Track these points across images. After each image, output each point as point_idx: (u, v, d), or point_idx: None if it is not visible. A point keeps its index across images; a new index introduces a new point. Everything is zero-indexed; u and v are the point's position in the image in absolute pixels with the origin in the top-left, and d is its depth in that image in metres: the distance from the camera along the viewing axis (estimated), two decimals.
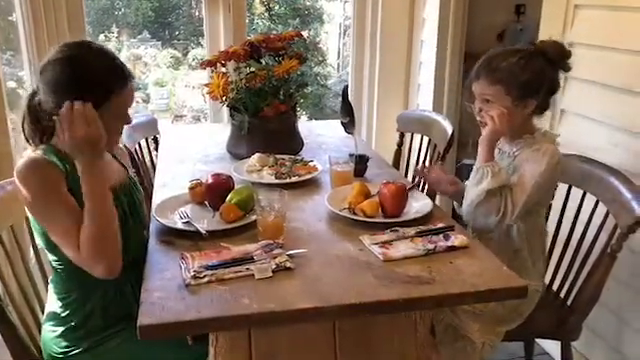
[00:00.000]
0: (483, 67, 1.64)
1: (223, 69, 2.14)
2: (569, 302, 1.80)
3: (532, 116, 1.66)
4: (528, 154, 1.62)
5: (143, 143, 2.51)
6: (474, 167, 1.65)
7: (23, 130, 1.44)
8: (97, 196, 1.35)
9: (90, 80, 1.37)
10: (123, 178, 1.58)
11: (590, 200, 1.79)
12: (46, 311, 1.53)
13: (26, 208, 1.41)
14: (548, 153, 1.58)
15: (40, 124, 1.42)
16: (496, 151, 1.73)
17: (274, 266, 1.33)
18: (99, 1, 8.11)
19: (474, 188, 1.61)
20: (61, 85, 1.36)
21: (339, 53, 8.32)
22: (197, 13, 8.56)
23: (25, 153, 1.40)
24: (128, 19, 9.24)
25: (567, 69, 1.65)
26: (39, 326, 1.56)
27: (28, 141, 1.44)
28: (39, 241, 1.47)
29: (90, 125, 1.33)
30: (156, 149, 2.53)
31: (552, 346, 2.30)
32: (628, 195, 1.63)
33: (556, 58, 1.62)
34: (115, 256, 1.35)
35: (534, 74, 1.59)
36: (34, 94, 1.42)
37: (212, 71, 2.15)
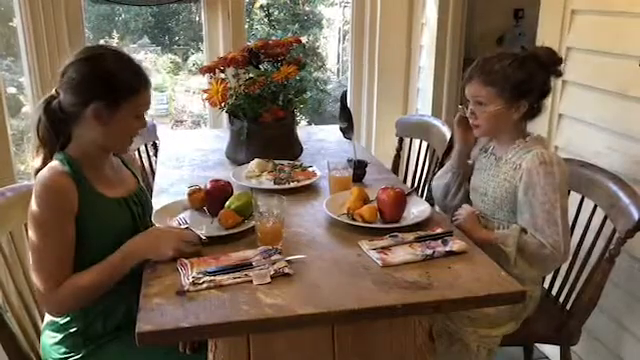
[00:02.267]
0: (476, 69, 1.66)
1: (222, 75, 2.15)
2: (568, 306, 1.80)
3: (524, 120, 1.67)
4: (538, 167, 1.57)
5: (142, 149, 2.52)
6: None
7: (37, 133, 1.45)
8: (115, 276, 1.40)
9: (110, 78, 1.41)
10: (133, 186, 1.59)
11: (588, 205, 1.79)
12: (46, 319, 1.53)
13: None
14: (554, 159, 1.59)
15: (57, 128, 1.44)
16: (492, 158, 1.74)
17: (272, 272, 1.33)
18: (99, 7, 8.13)
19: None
20: (82, 84, 1.40)
21: (339, 58, 8.34)
22: (197, 18, 8.58)
23: (45, 168, 1.41)
24: (128, 24, 9.25)
25: (558, 74, 1.67)
26: (38, 333, 1.57)
27: (42, 144, 1.45)
28: None
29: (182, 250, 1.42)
30: (155, 155, 2.54)
31: (552, 351, 2.30)
32: (626, 200, 1.63)
33: (548, 62, 1.64)
34: (66, 310, 1.43)
35: (526, 76, 1.61)
36: (52, 98, 1.44)
37: (211, 77, 2.15)
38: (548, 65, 1.64)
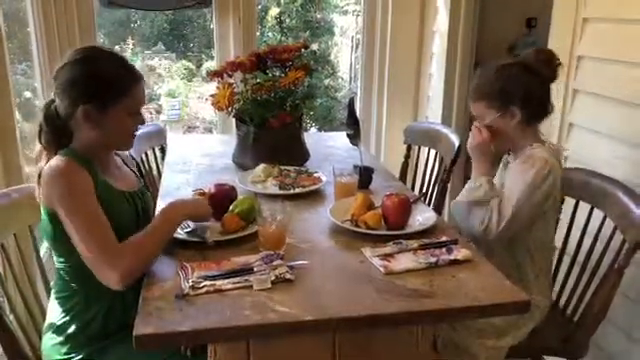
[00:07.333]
0: (471, 88, 1.69)
1: (230, 80, 2.15)
2: (576, 318, 1.77)
3: (528, 126, 1.64)
4: (518, 164, 1.62)
5: (150, 152, 2.52)
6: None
7: (39, 138, 1.46)
8: (165, 233, 1.44)
9: (102, 79, 1.42)
10: (136, 184, 1.61)
11: (598, 215, 1.76)
12: (47, 322, 1.52)
13: (43, 207, 1.41)
14: (537, 164, 1.57)
15: (58, 131, 1.45)
16: (500, 167, 1.72)
17: (273, 277, 1.32)
18: (115, 13, 8.23)
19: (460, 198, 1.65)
20: (74, 85, 1.41)
21: (351, 66, 8.35)
22: (211, 26, 8.63)
23: (52, 160, 1.41)
24: (143, 31, 9.35)
25: (549, 74, 1.63)
26: (40, 335, 1.56)
27: (46, 149, 1.46)
28: (47, 243, 1.47)
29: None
30: (163, 158, 2.54)
31: None
32: (637, 211, 1.60)
33: (534, 64, 1.61)
34: (134, 275, 1.34)
35: (507, 81, 1.61)
36: (51, 102, 1.46)
37: (218, 82, 2.15)
38: (534, 67, 1.61)
